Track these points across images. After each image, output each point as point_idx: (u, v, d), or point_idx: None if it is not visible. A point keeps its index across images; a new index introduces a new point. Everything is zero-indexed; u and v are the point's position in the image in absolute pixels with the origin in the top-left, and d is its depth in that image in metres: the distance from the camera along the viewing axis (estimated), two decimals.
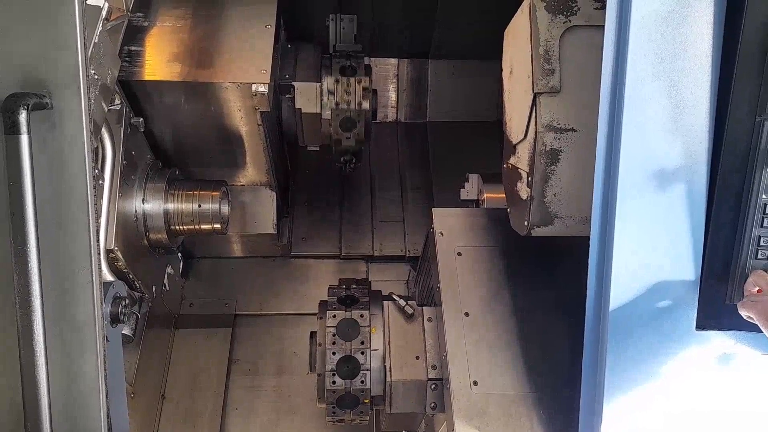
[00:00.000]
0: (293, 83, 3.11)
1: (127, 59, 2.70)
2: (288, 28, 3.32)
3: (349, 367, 2.35)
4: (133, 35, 2.79)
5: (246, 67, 2.76)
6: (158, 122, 2.88)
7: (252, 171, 3.24)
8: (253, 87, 2.71)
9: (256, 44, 2.84)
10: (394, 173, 4.02)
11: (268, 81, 2.72)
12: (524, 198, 2.09)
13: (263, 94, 2.71)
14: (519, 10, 2.07)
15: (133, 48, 2.76)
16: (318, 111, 3.14)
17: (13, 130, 1.51)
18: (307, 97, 3.13)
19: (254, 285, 3.58)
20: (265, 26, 2.91)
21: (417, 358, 2.36)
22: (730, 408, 1.71)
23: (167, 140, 3.00)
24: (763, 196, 1.54)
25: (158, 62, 2.75)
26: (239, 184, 3.30)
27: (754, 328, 1.53)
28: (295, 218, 3.78)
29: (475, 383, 2.14)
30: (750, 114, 1.52)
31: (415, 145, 4.16)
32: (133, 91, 2.70)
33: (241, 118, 2.88)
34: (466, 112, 4.19)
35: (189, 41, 2.84)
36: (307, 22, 3.69)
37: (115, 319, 1.96)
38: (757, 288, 1.53)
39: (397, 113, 4.25)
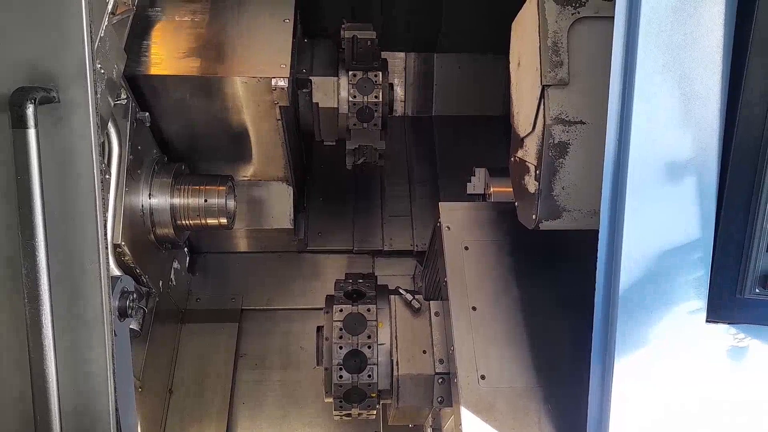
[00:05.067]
0: (310, 78, 3.10)
1: (145, 54, 2.70)
2: (304, 22, 3.30)
3: (356, 361, 2.35)
4: (150, 30, 2.80)
5: (265, 61, 2.76)
6: (173, 117, 2.88)
7: (269, 166, 3.23)
8: (273, 81, 2.71)
9: (274, 39, 2.84)
10: (402, 167, 4.01)
11: (288, 75, 2.72)
12: (532, 191, 2.08)
13: (283, 88, 2.72)
14: (527, 1, 2.05)
15: (149, 42, 2.76)
16: (335, 105, 3.13)
17: (21, 123, 1.51)
18: (324, 91, 3.11)
19: (261, 280, 3.58)
20: (284, 21, 2.91)
21: (424, 352, 2.36)
22: (740, 402, 1.70)
23: (181, 135, 2.99)
24: None
25: (176, 57, 2.76)
26: (256, 179, 3.29)
27: (766, 321, 1.51)
28: (310, 213, 3.77)
29: (483, 377, 2.14)
30: (762, 105, 1.50)
31: (422, 139, 4.15)
32: (148, 85, 2.70)
33: (259, 113, 2.88)
34: (473, 106, 4.17)
35: (207, 36, 2.84)
36: (322, 16, 3.67)
37: (123, 314, 1.96)
38: None
39: (405, 107, 4.24)
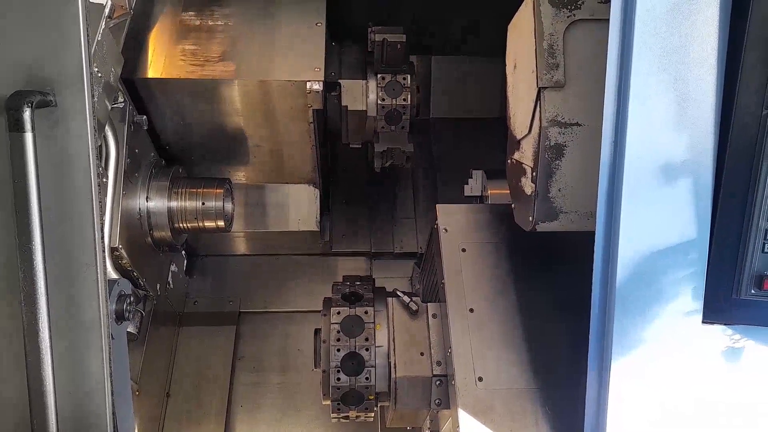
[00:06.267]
0: (339, 81, 3.11)
1: (182, 58, 2.75)
2: (330, 26, 3.33)
3: (353, 363, 2.35)
4: (186, 34, 2.82)
5: (300, 65, 2.80)
6: (199, 121, 2.91)
7: (297, 168, 3.25)
8: (308, 85, 2.75)
9: (307, 42, 2.88)
10: (406, 170, 4.02)
11: (323, 79, 2.74)
12: (529, 193, 2.09)
13: (318, 91, 2.75)
14: (523, 4, 2.06)
15: (187, 47, 2.79)
16: (364, 108, 3.13)
17: (18, 127, 1.51)
18: (353, 94, 3.12)
19: (259, 282, 3.58)
20: (316, 24, 2.93)
21: (421, 354, 2.36)
22: (736, 403, 1.70)
23: (196, 139, 3.02)
24: None
25: (211, 61, 2.78)
26: (282, 182, 3.31)
27: (761, 322, 1.52)
28: (333, 215, 3.79)
29: (480, 379, 2.14)
30: (756, 107, 1.51)
31: (421, 141, 4.16)
32: (170, 89, 2.73)
33: (291, 116, 2.91)
34: (470, 109, 4.18)
35: (240, 40, 2.87)
36: (345, 19, 3.68)
37: (120, 317, 1.96)
38: None
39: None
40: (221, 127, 2.98)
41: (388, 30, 3.18)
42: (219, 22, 2.91)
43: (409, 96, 3.10)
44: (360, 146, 3.44)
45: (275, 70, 2.78)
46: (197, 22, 2.91)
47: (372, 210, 3.84)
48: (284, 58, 2.82)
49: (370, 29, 3.20)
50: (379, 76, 3.10)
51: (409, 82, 3.10)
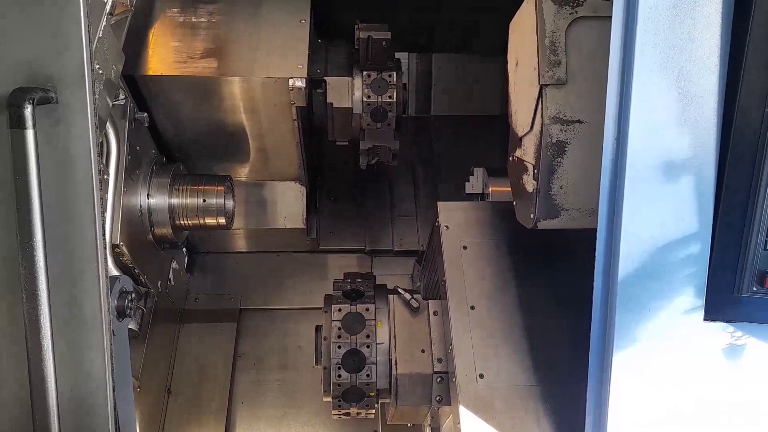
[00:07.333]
0: (325, 78, 3.10)
1: (167, 56, 2.75)
2: (317, 23, 3.31)
3: (354, 360, 2.35)
4: (171, 31, 2.81)
5: (283, 61, 2.79)
6: (187, 118, 2.91)
7: (283, 166, 3.24)
8: (290, 82, 2.74)
9: (291, 39, 2.87)
10: (406, 167, 4.01)
11: (306, 76, 2.73)
12: (530, 191, 2.09)
13: (300, 88, 2.74)
14: (525, 2, 2.06)
15: (172, 44, 2.79)
16: (350, 105, 3.12)
17: (19, 124, 1.51)
18: (339, 92, 3.11)
19: (259, 279, 3.59)
20: (300, 21, 2.92)
21: (422, 351, 2.36)
22: (737, 400, 1.71)
23: (192, 136, 3.01)
24: None
25: (194, 58, 2.78)
26: (269, 179, 3.31)
27: (763, 320, 1.52)
28: (321, 212, 3.78)
29: (481, 376, 2.14)
30: (759, 104, 1.51)
31: (422, 139, 4.16)
32: (160, 86, 2.72)
33: (276, 114, 2.90)
34: (471, 106, 4.18)
35: (223, 37, 2.86)
36: (336, 17, 3.67)
37: (121, 314, 1.97)
38: None
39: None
40: (210, 125, 2.98)
41: (373, 27, 3.17)
42: (203, 19, 2.90)
43: (395, 93, 3.09)
44: (347, 143, 3.44)
45: (258, 67, 2.77)
46: (181, 19, 2.89)
47: (360, 207, 3.83)
48: (267, 55, 2.81)
49: (356, 26, 3.20)
50: (364, 73, 3.08)
51: (395, 79, 3.09)
